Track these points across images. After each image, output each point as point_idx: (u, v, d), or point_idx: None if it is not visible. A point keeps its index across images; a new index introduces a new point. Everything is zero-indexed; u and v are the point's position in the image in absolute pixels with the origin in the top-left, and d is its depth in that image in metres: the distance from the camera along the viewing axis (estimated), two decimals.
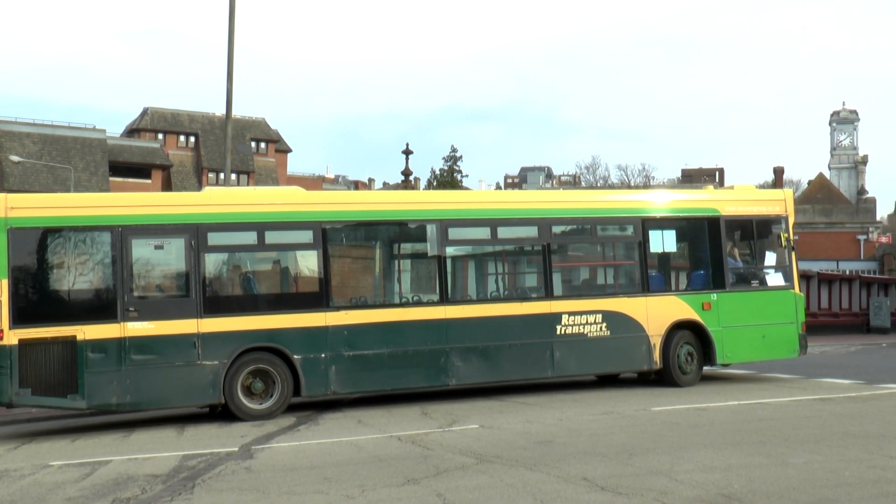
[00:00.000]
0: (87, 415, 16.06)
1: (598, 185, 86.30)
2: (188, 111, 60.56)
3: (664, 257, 17.55)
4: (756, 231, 17.92)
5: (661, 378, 16.89)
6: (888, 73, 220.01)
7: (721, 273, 17.21)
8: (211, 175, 58.05)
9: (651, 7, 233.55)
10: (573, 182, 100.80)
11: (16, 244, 13.13)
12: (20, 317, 13.00)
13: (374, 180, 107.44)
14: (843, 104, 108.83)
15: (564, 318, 16.01)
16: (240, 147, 58.04)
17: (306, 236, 14.88)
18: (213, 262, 14.60)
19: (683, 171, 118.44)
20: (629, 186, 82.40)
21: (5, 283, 12.98)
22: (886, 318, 40.54)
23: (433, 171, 61.45)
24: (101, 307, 13.60)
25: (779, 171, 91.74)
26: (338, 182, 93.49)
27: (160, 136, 58.43)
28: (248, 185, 59.67)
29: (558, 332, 15.94)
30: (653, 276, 17.04)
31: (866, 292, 42.06)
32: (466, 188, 68.37)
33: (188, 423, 14.18)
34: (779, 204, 18.14)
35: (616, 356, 16.49)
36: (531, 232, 16.61)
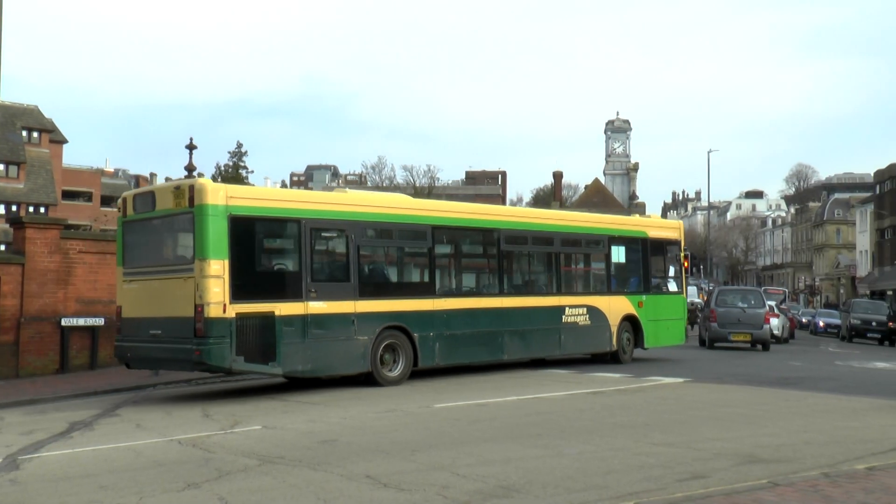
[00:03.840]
0: None
1: (384, 185, 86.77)
2: None
3: (617, 266, 22.60)
4: (664, 250, 23.98)
5: (612, 358, 21.78)
6: (657, 86, 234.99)
7: (647, 280, 23.19)
8: None
9: (442, 11, 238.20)
10: (359, 181, 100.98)
11: (234, 230, 14.77)
12: (235, 293, 14.61)
13: (156, 175, 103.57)
14: (618, 114, 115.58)
15: (567, 310, 20.75)
16: (9, 136, 54.42)
17: (422, 235, 18.06)
18: (363, 254, 17.13)
19: (467, 172, 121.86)
20: (415, 187, 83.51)
21: (226, 263, 14.56)
22: None
23: (218, 167, 59.52)
24: (291, 287, 15.59)
25: (558, 176, 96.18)
26: (118, 176, 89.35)
27: None
28: (18, 176, 56.47)
29: (563, 321, 20.65)
30: (613, 280, 22.25)
31: None
32: (251, 185, 66.92)
33: None
34: (676, 230, 25.11)
35: (594, 340, 21.55)
36: (549, 242, 21.03)
